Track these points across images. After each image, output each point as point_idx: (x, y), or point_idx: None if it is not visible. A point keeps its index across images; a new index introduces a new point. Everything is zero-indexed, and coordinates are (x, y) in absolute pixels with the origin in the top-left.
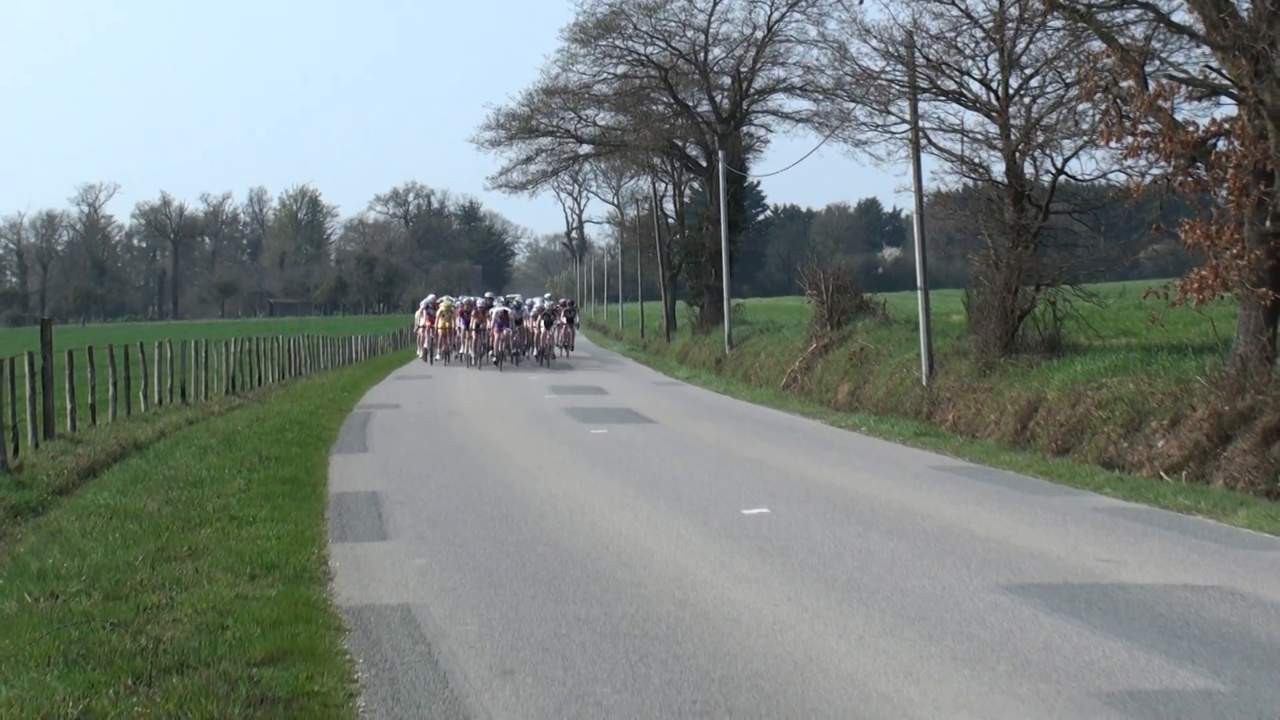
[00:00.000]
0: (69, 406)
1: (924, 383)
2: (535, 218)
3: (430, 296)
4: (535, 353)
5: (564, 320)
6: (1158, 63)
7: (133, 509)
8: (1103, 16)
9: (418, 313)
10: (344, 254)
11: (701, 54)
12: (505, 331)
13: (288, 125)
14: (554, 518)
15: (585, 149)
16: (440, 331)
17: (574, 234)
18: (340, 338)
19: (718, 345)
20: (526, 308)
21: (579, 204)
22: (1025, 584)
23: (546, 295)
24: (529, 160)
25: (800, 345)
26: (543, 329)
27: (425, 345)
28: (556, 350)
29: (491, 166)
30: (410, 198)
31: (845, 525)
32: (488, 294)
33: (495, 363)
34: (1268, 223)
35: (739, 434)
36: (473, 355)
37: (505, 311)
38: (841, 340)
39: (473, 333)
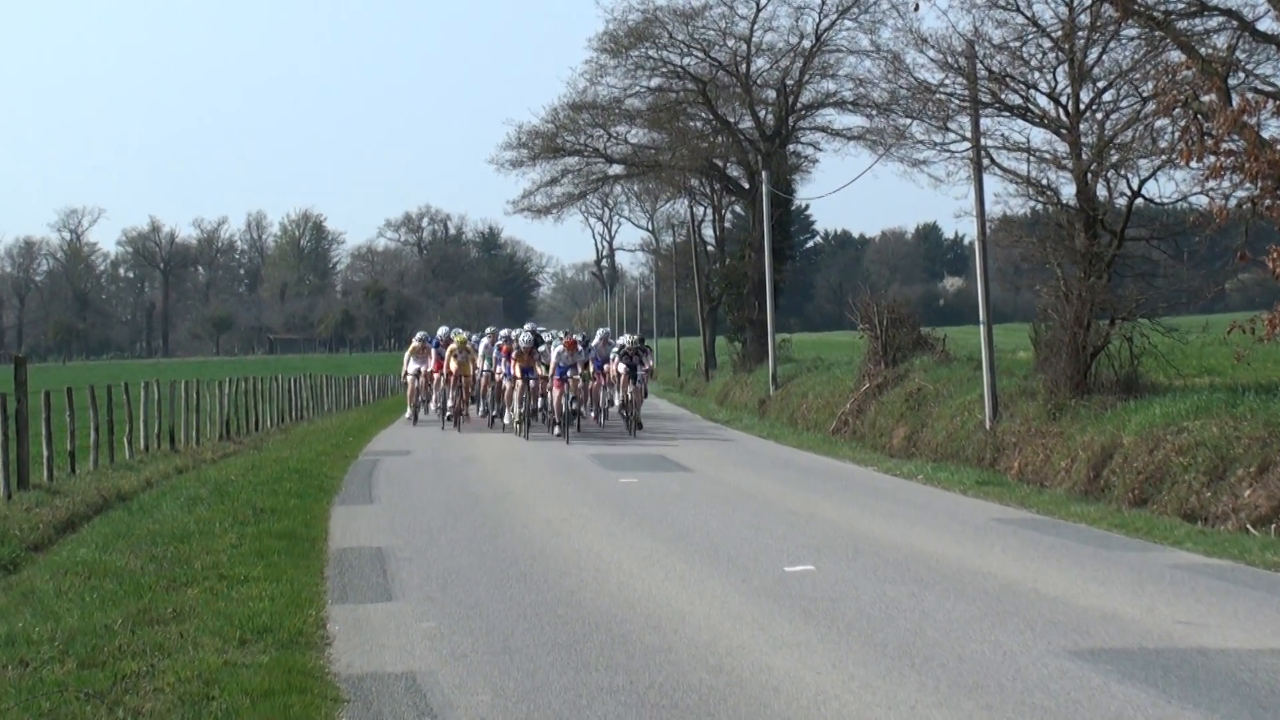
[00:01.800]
0: (46, 454)
1: (987, 426)
2: (561, 245)
3: (442, 330)
4: (597, 412)
5: (650, 365)
6: (1242, 75)
7: (113, 566)
8: (1182, 25)
9: (408, 352)
10: (351, 285)
11: (743, 65)
12: (572, 382)
13: (289, 143)
14: (577, 576)
15: (616, 169)
16: (449, 377)
17: (604, 263)
18: (346, 377)
19: (761, 385)
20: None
21: (609, 230)
22: (1095, 649)
23: (622, 338)
24: (554, 182)
25: (852, 385)
26: (622, 376)
27: (417, 402)
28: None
29: (513, 189)
30: (424, 223)
31: (898, 584)
32: (529, 326)
33: (556, 431)
34: None
35: (783, 483)
36: (514, 415)
37: (575, 340)
38: (897, 379)
39: (517, 381)
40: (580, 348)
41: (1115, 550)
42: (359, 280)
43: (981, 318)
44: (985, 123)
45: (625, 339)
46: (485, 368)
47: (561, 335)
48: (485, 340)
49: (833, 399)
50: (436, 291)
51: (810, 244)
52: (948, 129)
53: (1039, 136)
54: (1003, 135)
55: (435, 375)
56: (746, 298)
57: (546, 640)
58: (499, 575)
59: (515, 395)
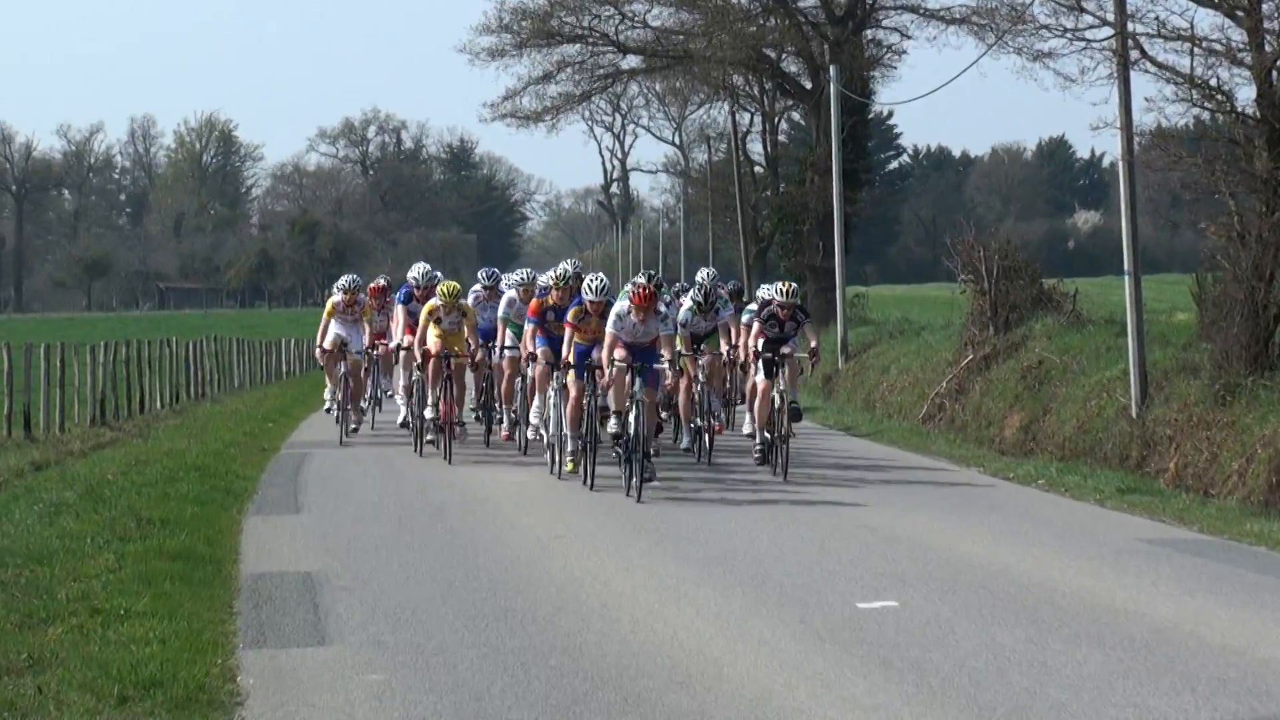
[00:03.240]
0: None
1: (1133, 414)
2: (557, 165)
3: (418, 270)
4: (691, 431)
5: (814, 344)
6: None
7: None
8: None
9: (327, 312)
10: (271, 216)
11: None
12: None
13: (186, 22)
14: (575, 613)
15: (631, 61)
16: (426, 360)
17: (614, 188)
18: (264, 341)
19: (827, 355)
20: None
21: (621, 144)
22: (1277, 716)
23: (763, 289)
24: (547, 78)
25: (950, 356)
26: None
27: (345, 406)
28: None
29: (492, 88)
30: (370, 134)
31: (1010, 627)
32: (574, 263)
33: (639, 480)
34: None
35: (855, 489)
36: (551, 436)
37: (653, 291)
38: (1011, 349)
39: (568, 370)
40: (663, 305)
41: None
42: (282, 210)
43: (1127, 266)
44: (1134, 1)
45: (768, 290)
46: (509, 343)
47: (563, 274)
48: (510, 295)
49: (923, 375)
50: (387, 226)
51: (894, 165)
52: (1082, 9)
53: (1206, 20)
54: (1158, 19)
55: (403, 353)
56: (807, 237)
57: (536, 701)
58: (470, 611)
59: (571, 403)
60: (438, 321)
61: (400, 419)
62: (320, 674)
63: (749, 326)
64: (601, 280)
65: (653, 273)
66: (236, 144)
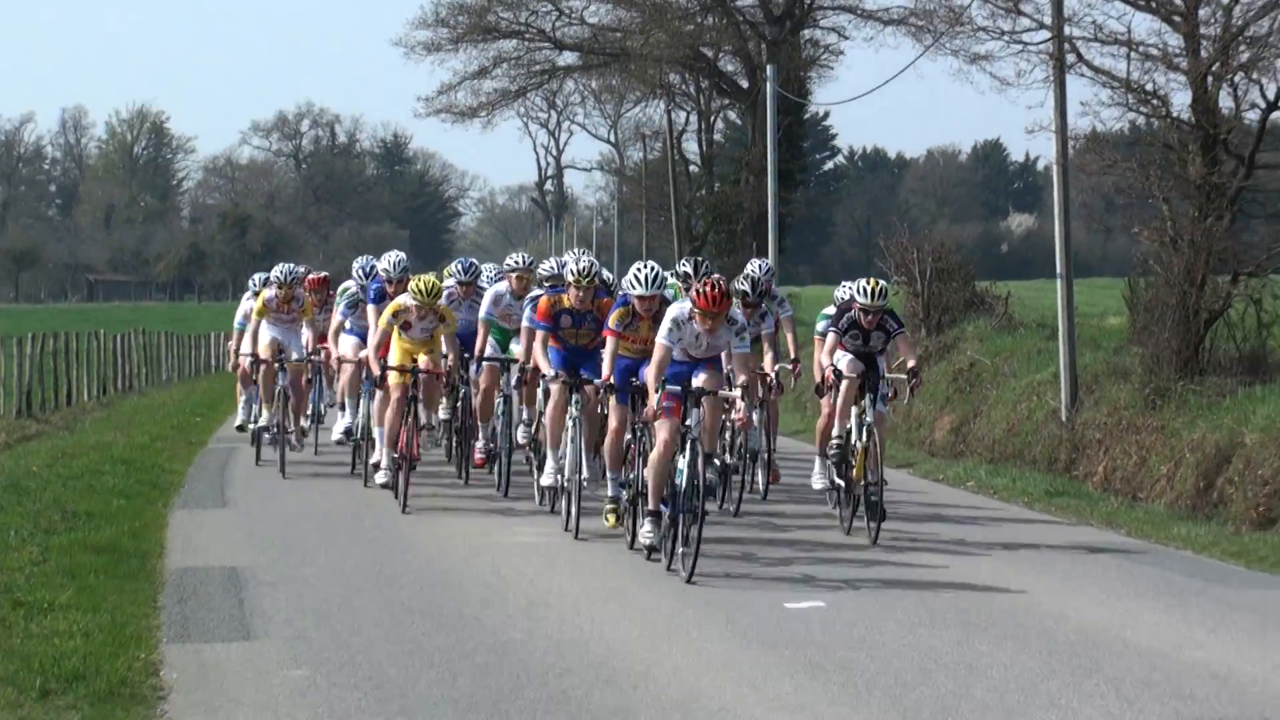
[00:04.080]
0: None
1: (1063, 417)
2: (491, 161)
3: (390, 260)
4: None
5: (912, 365)
6: None
7: None
8: None
9: (255, 308)
10: (202, 209)
11: None
12: (712, 409)
13: (120, 15)
14: (500, 610)
15: (568, 58)
16: (383, 378)
17: (548, 185)
18: (193, 335)
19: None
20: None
21: (557, 141)
22: (1202, 718)
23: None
24: (483, 73)
25: None
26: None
27: (271, 422)
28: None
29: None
30: (303, 127)
31: (938, 629)
32: (581, 253)
33: (688, 547)
34: None
35: (778, 490)
36: (582, 482)
37: (726, 289)
38: (942, 351)
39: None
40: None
41: (1232, 587)
42: (213, 203)
43: (1059, 269)
44: (1072, 3)
45: (846, 288)
46: (490, 351)
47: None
48: (498, 289)
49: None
50: (319, 220)
51: (829, 166)
52: (1020, 11)
53: (1144, 24)
54: (1095, 22)
55: (352, 366)
56: (741, 236)
57: (460, 698)
58: (398, 607)
59: (611, 436)
60: (406, 328)
61: (337, 434)
62: (244, 669)
63: (822, 337)
64: (654, 269)
65: (701, 259)
66: (168, 136)
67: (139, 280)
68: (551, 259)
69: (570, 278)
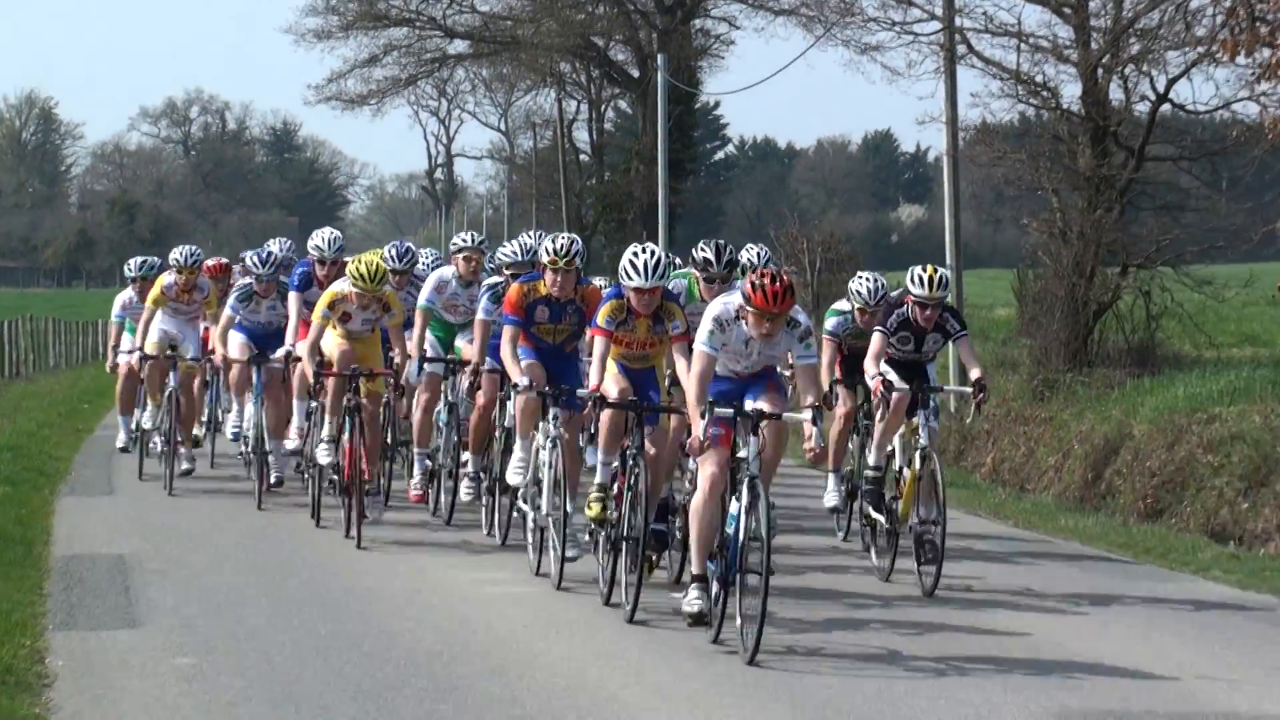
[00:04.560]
0: None
1: (951, 408)
2: (381, 149)
3: (322, 238)
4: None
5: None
6: None
7: None
8: None
9: (151, 299)
10: (91, 195)
11: None
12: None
13: None
14: (388, 600)
15: (458, 46)
16: (319, 386)
17: (438, 174)
18: (81, 321)
19: None
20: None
21: (447, 129)
22: (1088, 710)
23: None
24: (373, 61)
25: None
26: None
27: (170, 420)
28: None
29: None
30: (193, 114)
31: (809, 614)
32: (546, 235)
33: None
34: None
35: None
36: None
37: (786, 281)
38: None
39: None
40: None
41: (1118, 578)
42: (102, 189)
43: (949, 261)
44: None
45: (866, 280)
46: (431, 352)
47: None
48: (442, 274)
49: None
50: (208, 207)
51: (720, 156)
52: (911, 2)
53: (1034, 16)
54: (985, 14)
55: (240, 367)
56: (631, 225)
57: (347, 686)
58: (283, 597)
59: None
60: (344, 319)
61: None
62: (130, 657)
63: (830, 337)
64: (655, 254)
65: (757, 246)
66: (57, 122)
67: (26, 266)
68: (516, 241)
69: (545, 258)
